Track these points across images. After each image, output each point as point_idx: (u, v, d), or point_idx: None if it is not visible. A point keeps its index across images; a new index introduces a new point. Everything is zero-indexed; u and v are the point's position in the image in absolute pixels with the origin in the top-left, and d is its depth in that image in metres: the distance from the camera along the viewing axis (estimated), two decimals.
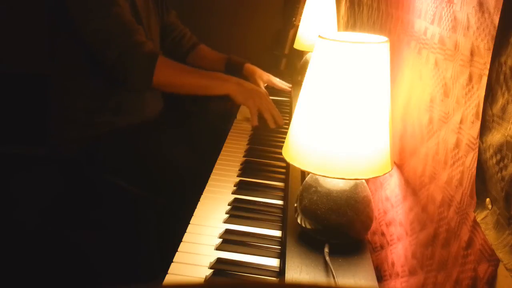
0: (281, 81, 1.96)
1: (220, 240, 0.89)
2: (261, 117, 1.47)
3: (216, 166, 1.21)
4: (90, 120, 1.52)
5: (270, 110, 1.44)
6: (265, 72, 1.85)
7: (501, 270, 0.45)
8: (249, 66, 1.83)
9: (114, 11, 1.37)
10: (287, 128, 0.78)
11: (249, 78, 1.80)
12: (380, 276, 0.82)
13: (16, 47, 2.62)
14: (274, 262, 0.84)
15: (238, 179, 1.14)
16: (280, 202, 1.04)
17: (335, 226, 0.74)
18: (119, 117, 1.54)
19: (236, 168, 1.20)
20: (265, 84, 1.84)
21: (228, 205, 1.01)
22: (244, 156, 1.28)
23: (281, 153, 0.77)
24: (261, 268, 0.82)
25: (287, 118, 1.62)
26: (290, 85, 1.98)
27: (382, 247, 0.84)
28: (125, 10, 1.41)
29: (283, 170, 1.18)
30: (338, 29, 1.64)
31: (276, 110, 1.46)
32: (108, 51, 1.38)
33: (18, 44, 2.61)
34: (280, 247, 0.87)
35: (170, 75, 1.41)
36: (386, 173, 0.71)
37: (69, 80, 1.52)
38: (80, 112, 1.52)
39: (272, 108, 1.45)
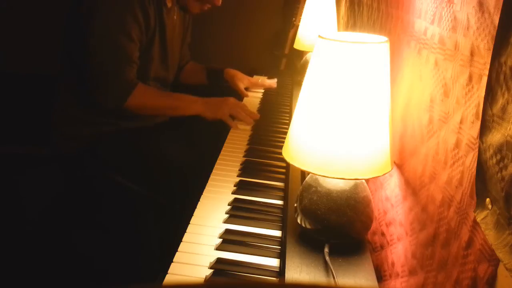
0: (263, 79, 1.98)
1: (220, 240, 0.89)
2: (260, 116, 1.53)
3: (216, 166, 1.21)
4: (92, 119, 1.53)
5: (242, 111, 1.53)
6: (245, 75, 1.89)
7: (501, 270, 0.45)
8: (229, 71, 1.87)
9: (118, 39, 1.43)
10: (287, 128, 0.78)
11: (230, 81, 1.83)
12: (380, 276, 0.82)
13: (20, 47, 2.62)
14: (274, 262, 0.83)
15: (238, 179, 1.14)
16: (280, 202, 1.04)
17: (335, 226, 0.74)
18: (121, 121, 1.55)
19: (236, 168, 1.20)
20: (246, 87, 1.86)
21: (228, 205, 1.01)
22: (244, 156, 1.28)
23: (281, 153, 0.77)
24: (261, 268, 0.81)
25: (287, 118, 1.62)
26: (275, 79, 1.99)
27: (382, 247, 0.84)
28: (134, 42, 1.47)
29: (283, 170, 1.18)
30: (338, 29, 1.64)
31: (247, 109, 1.56)
32: (94, 67, 1.45)
33: (22, 44, 2.61)
34: (280, 247, 0.87)
35: (141, 99, 1.50)
36: (386, 173, 0.71)
37: (71, 81, 1.53)
38: (81, 112, 1.53)
39: (242, 109, 1.54)
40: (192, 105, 1.54)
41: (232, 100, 1.56)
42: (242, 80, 1.85)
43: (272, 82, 1.97)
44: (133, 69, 1.48)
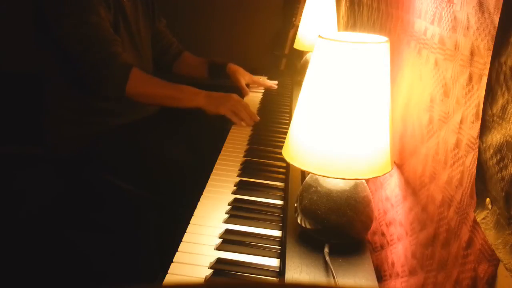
0: (264, 79, 1.98)
1: (220, 240, 0.89)
2: (260, 116, 1.52)
3: (216, 166, 1.21)
4: (84, 119, 1.52)
5: (243, 110, 1.50)
6: (247, 72, 1.87)
7: (501, 270, 0.45)
8: (232, 66, 1.85)
9: (92, 20, 1.40)
10: (287, 128, 0.78)
11: (231, 76, 1.81)
12: (380, 276, 0.82)
13: (9, 46, 2.61)
14: (274, 262, 0.83)
15: (238, 179, 1.14)
16: (280, 202, 1.04)
17: (335, 226, 0.74)
18: (113, 118, 1.55)
19: (236, 168, 1.20)
20: (247, 83, 1.85)
21: (228, 205, 1.01)
22: (244, 156, 1.28)
23: (281, 153, 0.77)
24: (261, 268, 0.81)
25: (287, 118, 1.62)
26: (276, 82, 1.99)
27: (382, 247, 0.84)
28: (104, 20, 1.44)
29: (283, 170, 1.18)
30: (338, 29, 1.64)
31: (249, 108, 1.53)
32: (83, 60, 1.41)
33: (11, 43, 2.60)
34: (280, 247, 0.87)
35: (142, 86, 1.46)
36: (386, 173, 0.71)
37: (59, 79, 1.52)
38: (73, 112, 1.52)
39: (245, 107, 1.51)
40: (194, 97, 1.49)
41: (235, 96, 1.52)
42: (244, 76, 1.84)
43: (273, 84, 1.97)
44: (118, 47, 1.45)
